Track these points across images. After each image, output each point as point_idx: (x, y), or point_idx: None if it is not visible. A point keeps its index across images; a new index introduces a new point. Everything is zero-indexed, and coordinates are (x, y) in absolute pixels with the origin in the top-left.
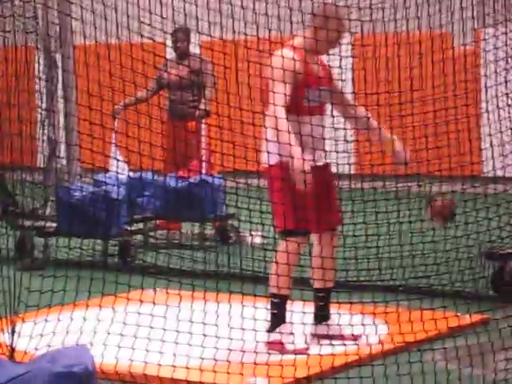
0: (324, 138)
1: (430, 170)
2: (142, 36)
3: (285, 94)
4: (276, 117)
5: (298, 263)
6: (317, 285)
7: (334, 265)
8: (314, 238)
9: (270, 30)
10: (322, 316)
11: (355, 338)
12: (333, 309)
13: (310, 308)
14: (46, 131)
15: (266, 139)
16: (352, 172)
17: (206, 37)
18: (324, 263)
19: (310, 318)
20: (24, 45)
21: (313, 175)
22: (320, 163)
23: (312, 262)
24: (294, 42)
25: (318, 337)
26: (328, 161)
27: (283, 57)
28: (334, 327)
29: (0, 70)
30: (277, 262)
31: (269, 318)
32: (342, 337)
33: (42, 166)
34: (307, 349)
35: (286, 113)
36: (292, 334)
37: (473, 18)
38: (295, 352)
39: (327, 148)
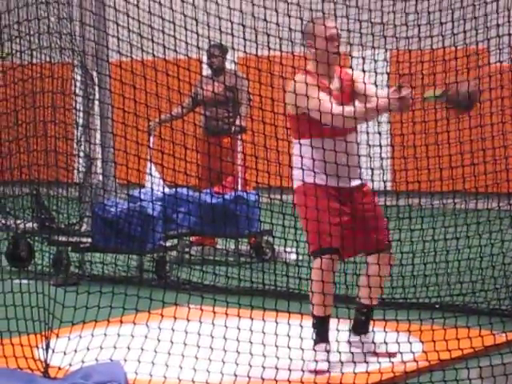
0: (358, 155)
1: (466, 187)
2: (177, 52)
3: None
4: (331, 114)
5: (332, 281)
6: (364, 301)
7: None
8: (370, 258)
9: (304, 47)
10: (360, 331)
11: (390, 355)
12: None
13: (342, 325)
14: (82, 147)
15: (292, 166)
16: (388, 189)
17: (242, 53)
18: (374, 282)
19: (337, 336)
20: (61, 61)
21: (345, 196)
22: (353, 184)
23: (362, 279)
24: (306, 66)
25: (354, 351)
26: (364, 181)
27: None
28: (368, 344)
29: (37, 86)
30: (312, 281)
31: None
32: (375, 354)
33: (78, 181)
34: (327, 369)
35: (309, 138)
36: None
37: (509, 34)
38: (316, 371)
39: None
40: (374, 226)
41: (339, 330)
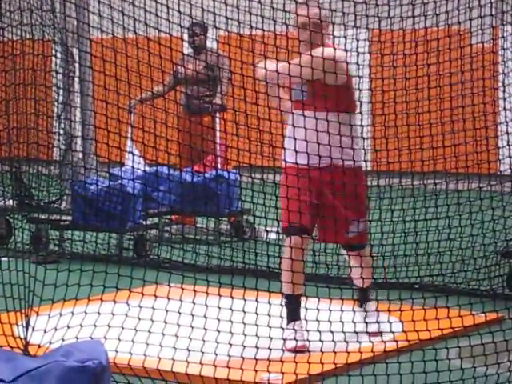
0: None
1: (447, 167)
2: (158, 30)
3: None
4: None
5: (301, 259)
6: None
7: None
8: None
9: (287, 26)
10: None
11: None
12: (348, 306)
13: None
14: (62, 125)
15: (287, 136)
16: (368, 169)
17: (223, 31)
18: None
19: (311, 315)
20: (41, 38)
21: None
22: (324, 164)
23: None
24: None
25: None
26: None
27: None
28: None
29: (17, 63)
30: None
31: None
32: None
33: (58, 159)
34: (305, 346)
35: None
36: (301, 331)
37: (491, 15)
38: (295, 349)
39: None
40: (344, 216)
41: (319, 309)
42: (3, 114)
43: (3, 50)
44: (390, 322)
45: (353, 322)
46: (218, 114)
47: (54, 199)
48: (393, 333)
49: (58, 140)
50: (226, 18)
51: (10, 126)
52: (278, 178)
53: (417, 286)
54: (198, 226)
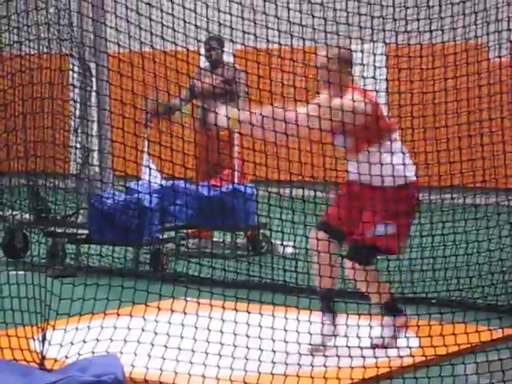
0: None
1: (464, 181)
2: (175, 44)
3: None
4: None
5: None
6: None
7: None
8: None
9: (303, 40)
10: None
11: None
12: (364, 320)
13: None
14: (79, 139)
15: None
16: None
17: (240, 46)
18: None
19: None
20: (59, 52)
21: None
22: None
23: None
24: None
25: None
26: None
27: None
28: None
29: (34, 77)
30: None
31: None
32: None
33: (75, 173)
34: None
35: None
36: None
37: (508, 29)
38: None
39: None
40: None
41: (336, 324)
42: (20, 128)
43: (20, 64)
44: (407, 337)
45: (369, 337)
46: (235, 129)
47: (70, 213)
48: (410, 348)
49: (75, 154)
50: (243, 32)
51: (27, 139)
52: (294, 192)
53: (434, 301)
54: (215, 240)
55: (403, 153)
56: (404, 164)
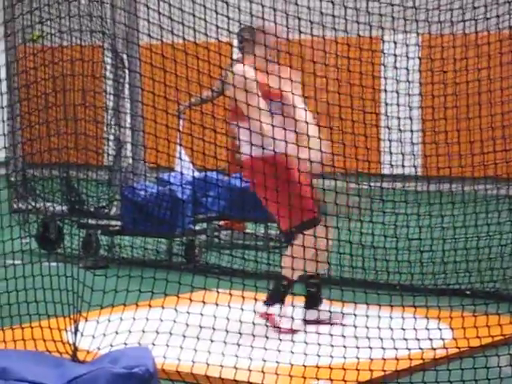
0: None
1: (497, 172)
2: (207, 36)
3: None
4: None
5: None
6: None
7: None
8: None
9: (335, 30)
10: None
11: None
12: (397, 312)
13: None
14: (112, 131)
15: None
16: (418, 174)
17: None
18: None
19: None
20: (91, 44)
21: None
22: None
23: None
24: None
25: (308, 322)
26: None
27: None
28: (324, 313)
29: (67, 69)
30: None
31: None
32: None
33: (108, 165)
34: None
35: None
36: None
37: None
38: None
39: None
40: None
41: (368, 315)
42: (54, 119)
43: (53, 56)
44: (440, 329)
45: (402, 328)
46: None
47: (104, 205)
48: (443, 340)
49: (108, 146)
50: (275, 23)
51: (61, 131)
52: (327, 182)
53: (468, 293)
54: (247, 231)
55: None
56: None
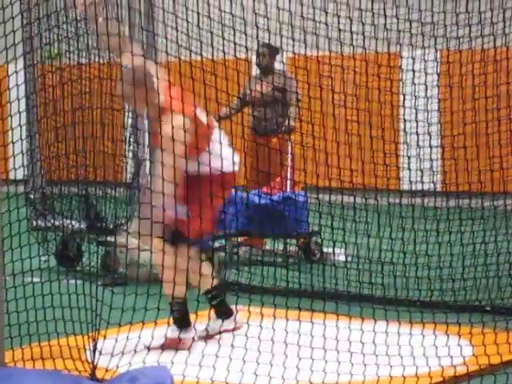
0: None
1: None
2: (225, 53)
3: None
4: None
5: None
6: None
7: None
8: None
9: (353, 47)
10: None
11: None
12: (417, 329)
13: (381, 327)
14: (131, 148)
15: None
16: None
17: (291, 53)
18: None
19: (380, 339)
20: (108, 61)
21: None
22: None
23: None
24: None
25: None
26: None
27: None
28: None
29: (86, 86)
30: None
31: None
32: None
33: (127, 182)
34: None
35: None
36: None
37: None
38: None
39: None
40: None
41: (388, 332)
42: (72, 137)
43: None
44: (460, 346)
45: (422, 345)
46: (287, 137)
47: (122, 222)
48: (463, 356)
49: (127, 163)
50: (293, 39)
51: (79, 148)
52: (345, 199)
53: (488, 309)
54: (267, 248)
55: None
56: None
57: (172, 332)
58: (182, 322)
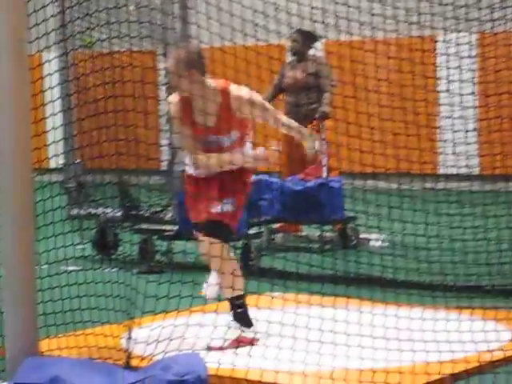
0: None
1: None
2: (258, 39)
3: None
4: None
5: None
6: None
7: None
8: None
9: (385, 31)
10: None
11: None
12: (453, 313)
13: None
14: (167, 136)
15: None
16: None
17: (325, 39)
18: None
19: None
20: (146, 50)
21: None
22: None
23: None
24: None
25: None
26: None
27: None
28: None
29: (121, 75)
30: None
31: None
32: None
33: (163, 170)
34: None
35: None
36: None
37: None
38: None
39: None
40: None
41: (425, 318)
42: (110, 125)
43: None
44: (498, 331)
45: (458, 331)
46: (322, 122)
47: (159, 209)
48: (500, 341)
49: (164, 151)
50: (323, 23)
51: (117, 137)
52: (379, 184)
53: None
54: (303, 234)
55: None
56: None
57: (233, 331)
58: (244, 319)
